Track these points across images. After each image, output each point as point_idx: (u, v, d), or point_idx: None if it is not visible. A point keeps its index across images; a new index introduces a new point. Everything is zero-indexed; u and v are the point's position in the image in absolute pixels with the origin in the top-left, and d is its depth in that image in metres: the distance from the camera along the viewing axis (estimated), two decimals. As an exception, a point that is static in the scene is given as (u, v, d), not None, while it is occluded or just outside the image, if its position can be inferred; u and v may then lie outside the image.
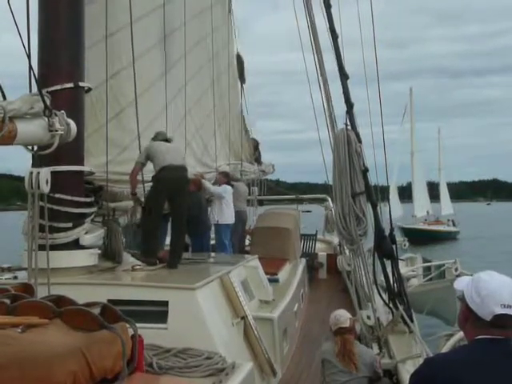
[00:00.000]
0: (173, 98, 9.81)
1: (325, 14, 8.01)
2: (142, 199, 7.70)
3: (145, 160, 7.48)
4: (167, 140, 7.79)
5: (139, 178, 7.76)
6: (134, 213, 7.73)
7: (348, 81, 7.76)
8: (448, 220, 55.54)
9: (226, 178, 11.88)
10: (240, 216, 12.07)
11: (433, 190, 62.05)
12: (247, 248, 12.67)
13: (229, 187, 11.62)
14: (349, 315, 5.83)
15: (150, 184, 7.71)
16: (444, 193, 62.58)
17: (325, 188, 15.85)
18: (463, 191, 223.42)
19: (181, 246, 7.61)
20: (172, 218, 7.64)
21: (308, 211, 19.55)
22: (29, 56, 5.28)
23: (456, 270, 10.38)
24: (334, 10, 8.03)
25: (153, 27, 9.19)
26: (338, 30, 7.97)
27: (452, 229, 52.95)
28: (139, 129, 7.90)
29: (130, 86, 7.89)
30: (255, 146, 16.50)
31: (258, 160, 16.53)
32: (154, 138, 7.77)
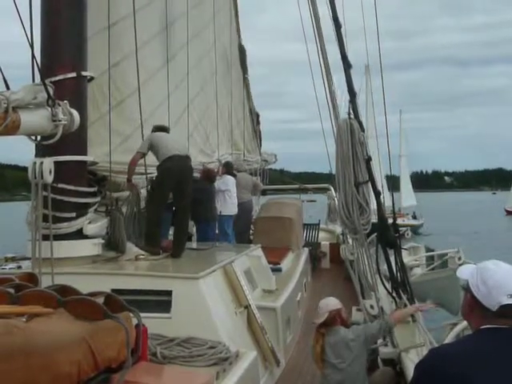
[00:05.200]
0: (175, 88, 9.79)
1: (328, 2, 7.98)
2: (141, 190, 7.70)
3: (147, 150, 7.47)
4: (166, 131, 7.78)
5: (142, 170, 7.77)
6: (131, 202, 7.67)
7: (352, 71, 7.74)
8: (406, 214, 50.43)
9: (225, 168, 11.89)
10: (242, 207, 12.06)
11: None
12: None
13: (229, 178, 11.62)
14: (329, 308, 5.64)
15: (149, 175, 7.72)
16: (405, 182, 57.16)
17: (330, 178, 15.85)
18: (468, 180, 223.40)
19: (184, 235, 7.62)
20: (176, 208, 7.64)
21: (313, 201, 19.56)
22: (32, 46, 5.27)
23: (459, 258, 10.36)
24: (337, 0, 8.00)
25: (153, 17, 9.17)
26: (341, 20, 7.94)
27: (412, 222, 48.38)
28: (142, 118, 7.90)
29: (132, 76, 7.87)
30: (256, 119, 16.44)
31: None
32: (153, 131, 7.75)
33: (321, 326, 5.58)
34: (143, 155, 7.52)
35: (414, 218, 50.82)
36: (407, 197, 55.05)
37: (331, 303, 5.76)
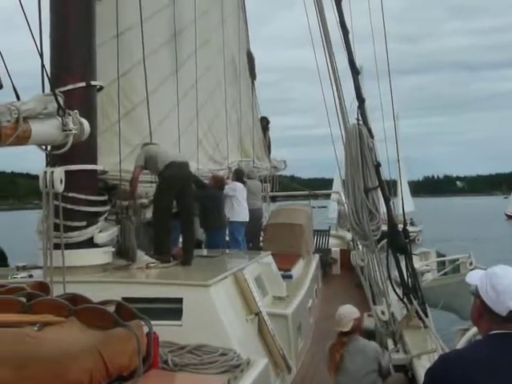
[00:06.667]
0: (183, 96, 9.83)
1: (335, 8, 7.98)
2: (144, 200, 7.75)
3: (144, 162, 7.47)
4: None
5: (150, 178, 7.81)
6: (136, 212, 7.65)
7: (362, 75, 7.74)
8: None
9: (234, 175, 11.92)
10: (252, 213, 12.05)
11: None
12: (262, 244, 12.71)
13: (238, 184, 11.62)
14: (353, 316, 5.68)
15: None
16: (403, 188, 57.85)
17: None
18: (480, 185, 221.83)
19: (192, 242, 7.60)
20: (181, 215, 7.62)
21: (324, 207, 19.56)
22: (41, 56, 5.31)
23: (471, 264, 10.32)
24: (344, 5, 8.00)
25: (161, 26, 9.22)
26: (348, 25, 7.95)
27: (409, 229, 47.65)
28: (151, 127, 7.94)
29: (140, 85, 7.92)
30: (264, 126, 16.39)
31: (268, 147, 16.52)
32: (144, 145, 7.78)
33: (343, 334, 5.57)
34: (142, 168, 7.53)
35: (412, 224, 50.25)
36: (404, 202, 54.37)
37: (354, 311, 5.79)
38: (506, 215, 77.37)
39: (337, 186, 32.52)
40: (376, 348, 5.70)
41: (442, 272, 11.32)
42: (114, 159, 7.34)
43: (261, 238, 13.21)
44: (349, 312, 5.72)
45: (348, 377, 5.43)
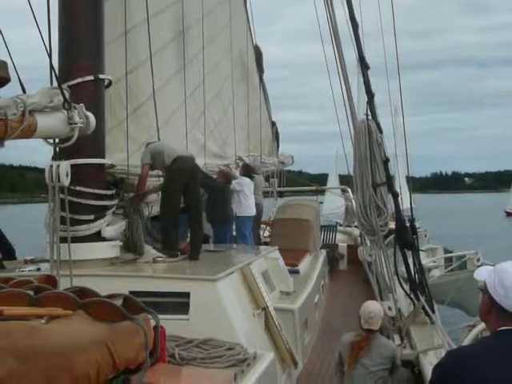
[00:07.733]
0: (190, 94, 9.83)
1: (345, 2, 7.96)
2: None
3: (150, 160, 7.46)
4: None
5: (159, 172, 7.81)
6: (137, 208, 7.60)
7: (371, 71, 7.72)
8: None
9: (242, 170, 11.92)
10: (255, 208, 12.06)
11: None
12: (266, 240, 12.74)
13: (245, 179, 11.61)
14: (382, 314, 5.69)
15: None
16: (402, 184, 57.39)
17: (348, 179, 15.88)
18: (489, 182, 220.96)
19: (199, 236, 7.58)
20: (188, 209, 7.61)
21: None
22: (50, 50, 5.31)
23: (478, 260, 10.31)
24: (354, 2, 7.98)
25: (168, 24, 9.21)
26: (358, 20, 7.92)
27: None
28: (158, 124, 7.95)
29: (147, 82, 7.91)
30: (272, 122, 16.37)
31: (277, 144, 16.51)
32: (148, 144, 7.77)
33: (369, 331, 5.58)
34: (150, 166, 7.51)
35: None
36: (404, 199, 54.67)
37: (381, 308, 5.80)
38: (506, 212, 76.04)
39: (332, 181, 32.52)
40: (393, 348, 5.70)
41: (449, 268, 11.32)
42: (121, 156, 7.35)
43: (261, 232, 13.26)
44: (378, 310, 5.72)
45: (361, 370, 5.45)
